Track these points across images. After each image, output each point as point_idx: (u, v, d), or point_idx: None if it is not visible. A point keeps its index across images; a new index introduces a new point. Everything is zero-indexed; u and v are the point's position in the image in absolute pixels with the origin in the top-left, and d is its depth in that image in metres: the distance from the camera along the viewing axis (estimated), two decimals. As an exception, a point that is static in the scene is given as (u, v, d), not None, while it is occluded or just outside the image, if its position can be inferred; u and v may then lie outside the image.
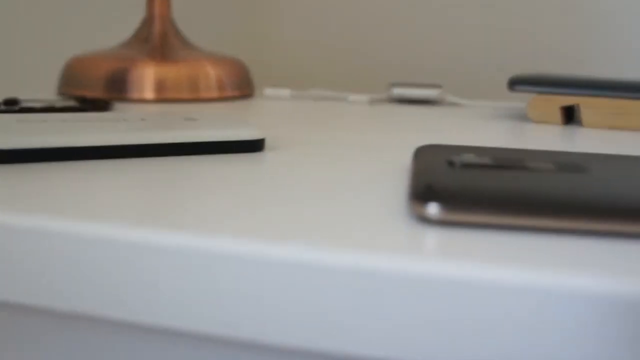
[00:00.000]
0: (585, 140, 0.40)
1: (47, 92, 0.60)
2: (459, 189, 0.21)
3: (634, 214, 0.20)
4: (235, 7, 0.75)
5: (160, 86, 0.53)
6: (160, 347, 0.22)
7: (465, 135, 0.40)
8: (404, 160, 0.31)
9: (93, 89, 0.53)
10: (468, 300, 0.18)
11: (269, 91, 0.57)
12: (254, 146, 0.32)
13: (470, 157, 0.24)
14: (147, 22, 0.57)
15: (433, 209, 0.20)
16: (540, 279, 0.17)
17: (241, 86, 0.56)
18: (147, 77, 0.53)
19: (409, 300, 0.18)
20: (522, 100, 0.69)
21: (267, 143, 0.35)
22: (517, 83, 0.46)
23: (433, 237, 0.20)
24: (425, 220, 0.21)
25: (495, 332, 0.18)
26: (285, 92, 0.57)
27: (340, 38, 0.73)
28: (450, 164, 0.24)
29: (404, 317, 0.18)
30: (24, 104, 0.44)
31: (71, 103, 0.45)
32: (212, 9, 0.77)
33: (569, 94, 0.46)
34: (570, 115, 0.48)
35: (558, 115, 0.46)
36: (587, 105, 0.45)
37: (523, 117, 0.49)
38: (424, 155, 0.26)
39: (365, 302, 0.18)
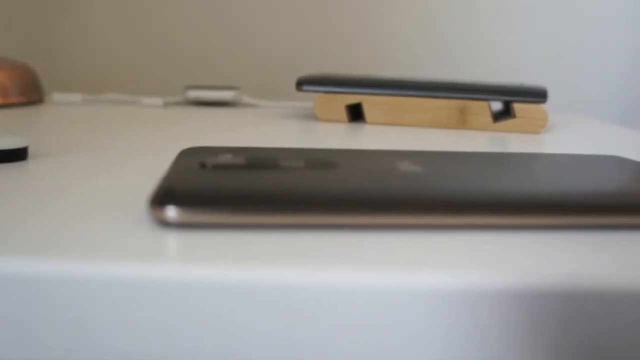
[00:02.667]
0: (364, 137, 0.41)
1: None
2: (198, 190, 0.21)
3: (379, 206, 0.21)
4: (25, 8, 0.72)
5: None
6: None
7: (250, 135, 0.40)
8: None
9: None
10: (205, 302, 0.18)
11: (58, 96, 0.55)
12: (15, 155, 0.30)
13: (224, 158, 0.25)
14: None
15: (170, 211, 0.20)
16: (279, 277, 0.18)
17: (28, 92, 0.53)
18: None
19: (143, 307, 0.18)
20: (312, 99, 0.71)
21: (37, 151, 0.33)
22: (303, 83, 0.47)
23: (170, 241, 0.20)
24: (165, 224, 0.21)
25: (245, 333, 0.18)
26: (76, 96, 0.55)
27: (137, 42, 0.71)
28: (202, 165, 0.24)
29: (142, 323, 0.18)
30: None
31: None
32: None
33: (353, 92, 0.48)
34: (356, 113, 0.50)
35: (344, 113, 0.48)
36: (369, 103, 0.47)
37: (313, 116, 0.51)
38: (182, 158, 0.26)
39: (91, 311, 0.18)
